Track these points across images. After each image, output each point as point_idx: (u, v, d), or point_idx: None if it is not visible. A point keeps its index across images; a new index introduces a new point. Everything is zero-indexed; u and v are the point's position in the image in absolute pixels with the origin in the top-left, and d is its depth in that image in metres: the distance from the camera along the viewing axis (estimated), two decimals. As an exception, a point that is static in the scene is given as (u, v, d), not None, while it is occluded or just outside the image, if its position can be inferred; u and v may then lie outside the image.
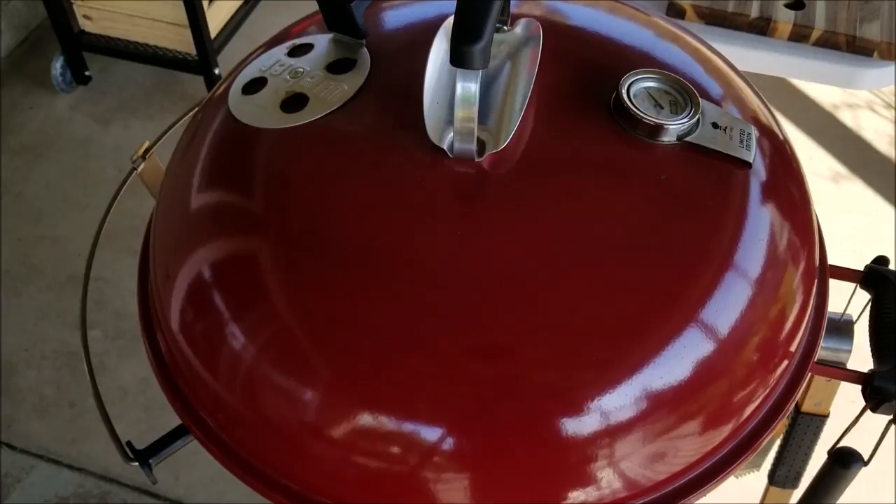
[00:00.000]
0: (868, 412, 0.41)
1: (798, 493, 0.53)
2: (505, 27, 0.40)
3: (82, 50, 1.12)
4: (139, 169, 0.47)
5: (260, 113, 0.39)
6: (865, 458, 0.45)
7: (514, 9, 0.41)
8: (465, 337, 0.32)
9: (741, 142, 0.37)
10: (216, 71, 1.08)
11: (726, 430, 0.35)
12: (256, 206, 0.37)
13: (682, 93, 0.37)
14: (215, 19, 1.07)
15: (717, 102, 0.39)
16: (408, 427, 0.32)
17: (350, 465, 0.34)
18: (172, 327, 0.38)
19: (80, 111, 1.14)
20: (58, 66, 1.13)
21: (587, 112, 0.37)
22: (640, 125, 0.36)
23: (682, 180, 0.36)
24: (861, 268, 0.45)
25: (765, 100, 0.43)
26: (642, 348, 0.32)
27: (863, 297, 0.46)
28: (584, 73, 0.39)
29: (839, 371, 0.42)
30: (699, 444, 0.35)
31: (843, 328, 0.46)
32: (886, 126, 1.11)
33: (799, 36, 0.75)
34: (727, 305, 0.34)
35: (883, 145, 1.09)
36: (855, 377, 0.41)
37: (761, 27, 0.75)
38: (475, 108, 0.33)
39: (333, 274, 0.33)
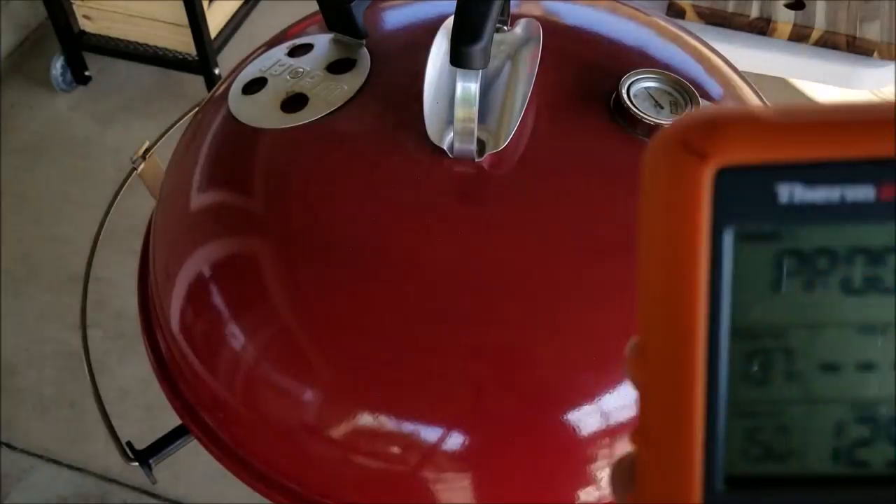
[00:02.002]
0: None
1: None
2: (505, 27, 0.40)
3: (82, 50, 1.12)
4: (139, 169, 0.47)
5: (260, 113, 0.39)
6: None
7: (514, 9, 0.41)
8: (465, 337, 0.32)
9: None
10: (216, 71, 1.08)
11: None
12: (256, 207, 0.37)
13: (682, 93, 0.37)
14: (215, 19, 1.07)
15: (716, 102, 0.39)
16: (408, 427, 0.32)
17: (351, 465, 0.33)
18: (172, 327, 0.38)
19: (80, 111, 1.14)
20: (58, 66, 1.13)
21: (587, 112, 0.37)
22: (639, 125, 0.36)
23: (682, 180, 0.36)
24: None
25: (765, 100, 0.43)
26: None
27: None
28: (583, 72, 0.39)
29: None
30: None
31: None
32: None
33: (799, 36, 0.75)
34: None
35: None
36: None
37: (761, 27, 0.75)
38: (475, 108, 0.33)
39: (334, 274, 0.33)
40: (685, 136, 0.12)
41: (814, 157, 0.11)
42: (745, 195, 0.12)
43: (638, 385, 0.13)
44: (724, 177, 0.12)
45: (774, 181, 0.12)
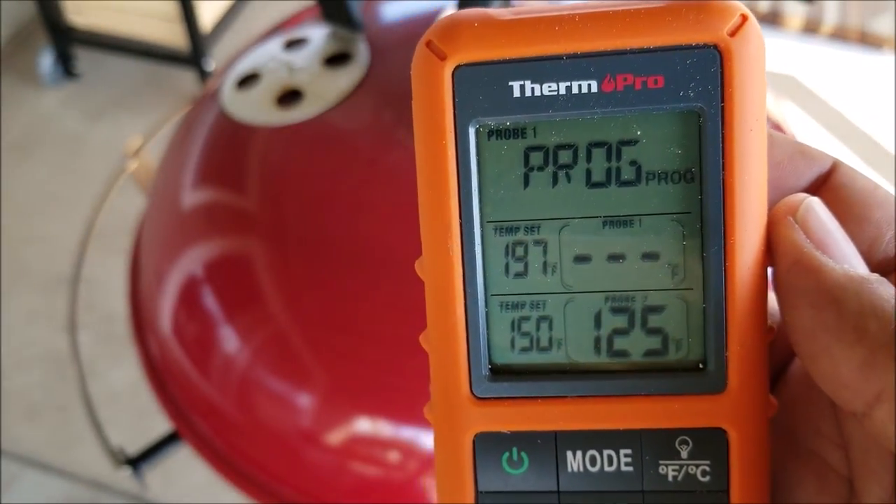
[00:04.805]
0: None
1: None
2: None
3: (72, 44, 1.10)
4: (130, 167, 0.46)
5: (254, 109, 0.37)
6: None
7: (513, 4, 0.40)
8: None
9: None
10: (209, 66, 1.06)
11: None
12: (250, 206, 0.36)
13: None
14: (208, 13, 1.06)
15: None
16: (406, 433, 0.31)
17: (347, 472, 0.33)
18: (164, 330, 0.36)
19: (69, 107, 1.12)
20: (47, 61, 1.11)
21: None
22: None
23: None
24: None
25: (773, 96, 0.42)
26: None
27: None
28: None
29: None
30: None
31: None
32: (893, 122, 1.11)
33: (810, 30, 0.74)
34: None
35: (890, 141, 1.09)
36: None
37: (772, 21, 0.75)
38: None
39: (330, 275, 0.32)
40: (429, 38, 0.12)
41: (541, 54, 0.12)
42: (483, 92, 0.12)
43: (425, 288, 0.13)
44: (463, 75, 0.12)
45: (508, 77, 0.12)
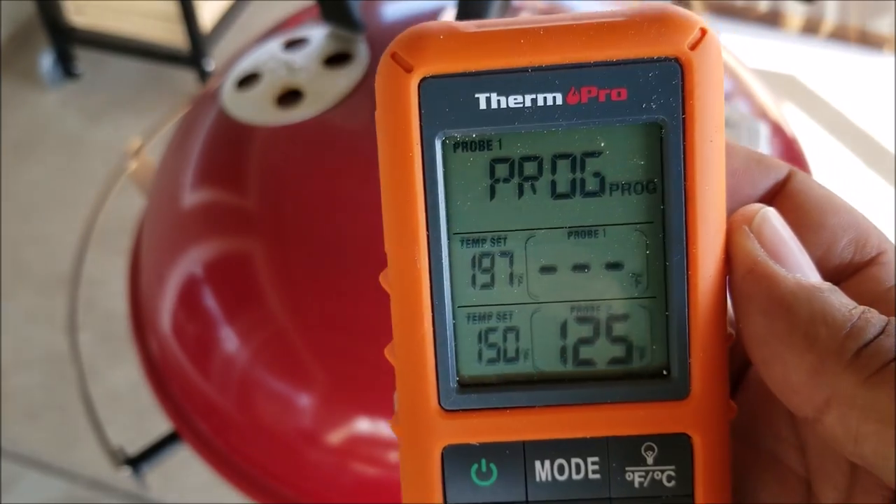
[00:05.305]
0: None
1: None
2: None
3: (72, 44, 1.10)
4: (130, 167, 0.46)
5: (254, 109, 0.38)
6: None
7: (514, 3, 0.40)
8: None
9: (749, 140, 0.36)
10: (209, 66, 1.06)
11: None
12: (250, 205, 0.36)
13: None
14: (208, 13, 1.06)
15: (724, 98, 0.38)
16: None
17: (347, 472, 0.33)
18: (164, 330, 0.36)
19: (69, 107, 1.12)
20: (47, 61, 1.11)
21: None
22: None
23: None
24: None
25: (773, 96, 0.42)
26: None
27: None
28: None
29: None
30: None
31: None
32: (893, 122, 1.11)
33: (809, 30, 0.74)
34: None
35: (890, 141, 1.09)
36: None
37: (771, 21, 0.75)
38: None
39: (330, 275, 0.32)
40: (394, 50, 0.12)
41: (506, 66, 0.12)
42: (449, 104, 0.12)
43: (391, 301, 0.13)
44: (429, 87, 0.12)
45: (475, 90, 0.12)
